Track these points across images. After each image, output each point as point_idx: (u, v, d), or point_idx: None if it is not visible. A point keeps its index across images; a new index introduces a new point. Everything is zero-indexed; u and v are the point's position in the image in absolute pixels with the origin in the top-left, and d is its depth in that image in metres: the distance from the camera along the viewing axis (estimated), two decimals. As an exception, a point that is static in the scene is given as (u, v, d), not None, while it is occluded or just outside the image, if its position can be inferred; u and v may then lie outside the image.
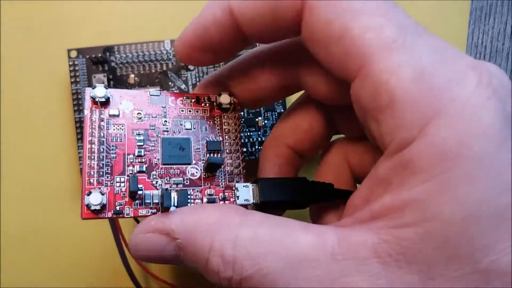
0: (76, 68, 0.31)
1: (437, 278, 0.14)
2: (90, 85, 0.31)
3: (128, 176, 0.20)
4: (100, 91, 0.20)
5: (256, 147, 0.31)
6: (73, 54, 0.31)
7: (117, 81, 0.31)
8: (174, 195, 0.20)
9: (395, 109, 0.15)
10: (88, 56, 0.31)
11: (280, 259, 0.15)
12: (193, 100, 0.22)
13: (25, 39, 0.33)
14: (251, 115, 0.32)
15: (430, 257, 0.14)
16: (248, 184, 0.21)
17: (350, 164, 0.23)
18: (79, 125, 0.31)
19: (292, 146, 0.23)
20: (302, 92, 0.23)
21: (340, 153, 0.23)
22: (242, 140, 0.31)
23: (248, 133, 0.31)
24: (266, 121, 0.31)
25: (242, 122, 0.31)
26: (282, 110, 0.31)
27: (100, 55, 0.31)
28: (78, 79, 0.31)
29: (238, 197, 0.21)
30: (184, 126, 0.21)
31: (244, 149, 0.31)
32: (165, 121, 0.21)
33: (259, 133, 0.31)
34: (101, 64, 0.31)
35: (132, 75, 0.32)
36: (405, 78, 0.15)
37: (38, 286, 0.31)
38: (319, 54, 0.17)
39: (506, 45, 0.32)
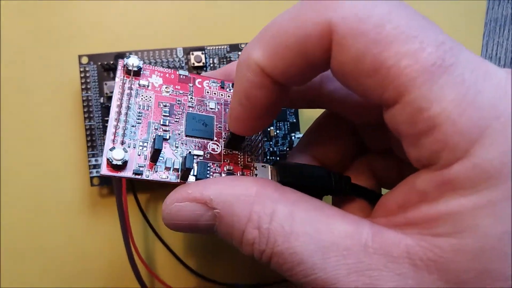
0: (87, 74, 0.30)
1: None
2: (101, 92, 0.31)
3: (153, 137, 0.20)
4: (133, 60, 0.21)
5: (268, 157, 0.31)
6: (84, 60, 0.31)
7: None
8: (194, 165, 0.20)
9: (437, 133, 0.14)
10: (99, 63, 0.31)
11: (311, 241, 0.16)
12: (218, 84, 0.23)
13: (36, 45, 0.32)
14: None
15: (462, 269, 0.14)
16: (267, 164, 0.21)
17: (376, 174, 0.23)
18: (89, 132, 0.30)
19: (318, 158, 0.23)
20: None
21: (365, 165, 0.23)
22: None
23: None
24: (278, 131, 0.31)
25: None
26: (295, 120, 0.31)
27: (112, 62, 0.30)
28: (89, 86, 0.30)
29: (256, 175, 0.21)
30: (209, 105, 0.22)
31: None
32: (191, 98, 0.22)
33: (271, 143, 0.31)
34: (112, 71, 0.31)
35: None
36: (448, 101, 0.14)
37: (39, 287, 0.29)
38: (351, 87, 0.16)
39: None
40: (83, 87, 0.30)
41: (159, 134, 0.20)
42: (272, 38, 0.16)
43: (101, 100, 0.30)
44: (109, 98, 0.30)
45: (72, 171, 0.31)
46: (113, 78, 0.31)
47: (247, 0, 0.33)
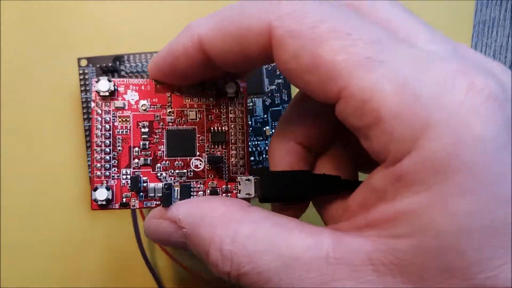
0: (86, 77, 0.31)
1: None
2: None
3: (133, 169, 0.20)
4: (103, 85, 0.20)
5: (264, 156, 0.31)
6: (83, 63, 0.31)
7: None
8: (177, 188, 0.20)
9: (383, 125, 0.14)
10: (98, 65, 0.31)
11: (274, 258, 0.16)
12: (199, 88, 0.22)
13: (36, 48, 0.33)
14: (258, 124, 0.31)
15: (423, 269, 0.14)
16: (251, 177, 0.21)
17: (353, 152, 0.22)
18: (89, 133, 0.31)
19: (300, 142, 0.22)
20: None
21: (343, 141, 0.22)
22: (250, 149, 0.31)
23: (256, 142, 0.31)
24: (273, 130, 0.30)
25: (250, 130, 0.31)
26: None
27: (110, 64, 0.31)
28: (88, 88, 0.31)
29: (240, 190, 0.21)
30: (189, 116, 0.21)
31: (252, 158, 0.31)
32: (170, 111, 0.21)
33: (267, 142, 0.30)
34: (111, 73, 0.31)
35: None
36: (387, 93, 0.14)
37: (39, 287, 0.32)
38: (296, 83, 0.17)
39: (508, 58, 0.32)
40: (82, 89, 0.31)
41: (139, 166, 0.20)
42: (220, 21, 0.18)
43: None
44: None
45: (72, 171, 0.32)
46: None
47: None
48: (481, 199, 0.13)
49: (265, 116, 0.32)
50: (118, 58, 0.31)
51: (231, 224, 0.17)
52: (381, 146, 0.15)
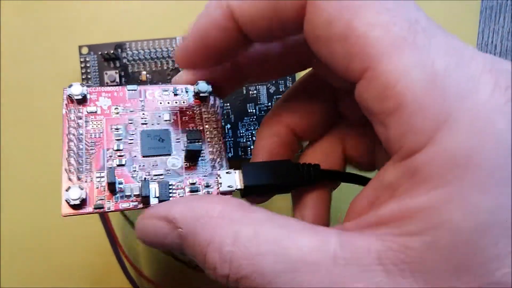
0: (88, 65, 0.31)
1: None
2: (102, 82, 0.31)
3: (107, 171, 0.20)
4: (76, 89, 0.20)
5: None
6: (85, 50, 0.31)
7: (129, 78, 0.31)
8: (155, 186, 0.20)
9: (403, 114, 0.14)
10: (100, 53, 0.31)
11: (279, 260, 0.15)
12: (171, 92, 0.22)
13: (37, 36, 0.33)
14: (262, 112, 0.32)
15: (437, 268, 0.13)
16: (231, 170, 0.20)
17: (344, 145, 0.22)
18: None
19: (291, 127, 0.22)
20: (306, 70, 0.23)
21: (336, 132, 0.23)
22: (246, 142, 0.31)
23: (254, 132, 0.31)
24: None
25: (253, 119, 0.32)
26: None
27: (112, 52, 0.31)
28: (89, 76, 0.31)
29: (221, 184, 0.20)
30: (163, 117, 0.21)
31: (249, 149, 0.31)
32: (143, 113, 0.21)
33: None
34: (112, 61, 0.31)
35: (144, 72, 0.32)
36: (416, 81, 0.14)
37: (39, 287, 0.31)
38: (321, 53, 0.16)
39: None
40: (83, 77, 0.31)
41: (109, 166, 0.20)
42: None
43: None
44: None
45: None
46: (114, 68, 0.31)
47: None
48: (501, 195, 0.13)
49: (269, 104, 0.32)
50: (120, 46, 0.31)
51: (231, 224, 0.16)
52: (398, 135, 0.14)
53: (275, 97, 0.32)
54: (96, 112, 0.21)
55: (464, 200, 0.13)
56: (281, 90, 0.33)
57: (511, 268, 0.13)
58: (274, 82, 0.33)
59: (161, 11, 0.34)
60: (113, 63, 0.32)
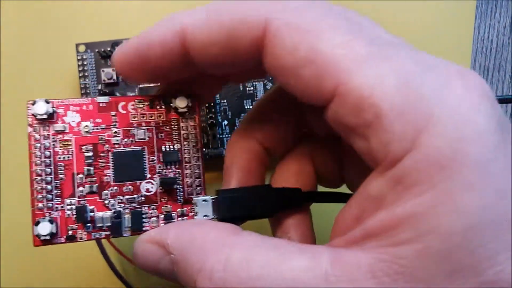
0: (85, 62, 0.31)
1: None
2: (99, 79, 0.31)
3: (78, 198, 0.19)
4: (40, 107, 0.19)
5: None
6: (82, 48, 0.31)
7: None
8: (127, 216, 0.19)
9: (383, 122, 0.14)
10: (97, 50, 0.31)
11: (271, 283, 0.15)
12: (146, 103, 0.20)
13: (34, 34, 0.32)
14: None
15: (431, 274, 0.13)
16: (208, 198, 0.19)
17: (314, 161, 0.22)
18: None
19: (261, 141, 0.21)
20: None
21: (305, 148, 0.22)
22: None
23: None
24: None
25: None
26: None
27: (109, 49, 0.30)
28: (86, 74, 0.31)
29: (197, 213, 0.19)
30: (137, 135, 0.20)
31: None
32: (115, 132, 0.19)
33: None
34: (109, 58, 0.31)
35: None
36: (389, 88, 0.14)
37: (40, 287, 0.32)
38: (288, 81, 0.16)
39: None
40: (80, 74, 0.31)
41: (84, 195, 0.19)
42: (210, 11, 0.17)
43: (99, 87, 0.31)
44: (107, 85, 0.31)
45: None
46: (111, 66, 0.31)
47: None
48: (489, 194, 0.13)
49: None
50: (117, 43, 0.31)
51: (222, 249, 0.16)
52: (379, 145, 0.14)
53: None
54: (64, 130, 0.19)
55: (451, 203, 0.13)
56: (277, 86, 0.31)
57: (502, 266, 0.13)
58: (271, 78, 0.30)
59: (158, 9, 0.33)
60: (110, 61, 0.30)
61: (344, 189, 0.22)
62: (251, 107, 0.30)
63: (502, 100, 0.30)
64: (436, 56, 0.15)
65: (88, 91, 0.31)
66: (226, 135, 0.30)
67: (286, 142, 0.22)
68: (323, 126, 0.20)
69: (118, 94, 0.30)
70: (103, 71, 0.30)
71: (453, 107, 0.13)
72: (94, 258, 0.30)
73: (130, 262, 0.28)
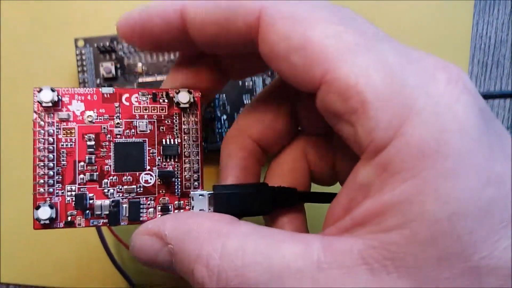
0: (83, 57, 0.31)
1: (429, 281, 0.14)
2: (98, 74, 0.31)
3: (78, 186, 0.19)
4: (46, 95, 0.19)
5: None
6: (80, 43, 0.31)
7: (125, 70, 0.31)
8: (125, 205, 0.19)
9: (368, 110, 0.14)
10: (96, 45, 0.31)
11: (264, 270, 0.15)
12: (149, 97, 0.20)
13: (32, 28, 0.33)
14: None
15: (419, 260, 0.14)
16: (204, 193, 0.20)
17: (308, 158, 0.22)
18: None
19: (256, 139, 0.21)
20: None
21: (299, 146, 0.22)
22: None
23: None
24: None
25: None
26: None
27: (108, 44, 0.31)
28: (85, 68, 0.31)
29: (193, 207, 0.20)
30: (139, 127, 0.20)
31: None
32: (118, 123, 0.20)
33: None
34: (108, 53, 0.31)
35: (140, 64, 0.31)
36: (375, 78, 0.14)
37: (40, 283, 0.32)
38: (280, 67, 0.17)
39: (510, 36, 0.33)
40: (79, 69, 0.31)
41: (84, 182, 0.19)
42: None
43: (98, 81, 0.31)
44: (106, 79, 0.31)
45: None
46: (109, 60, 0.31)
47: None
48: (471, 181, 0.13)
49: None
50: (115, 38, 0.31)
51: (218, 238, 0.16)
52: (364, 132, 0.15)
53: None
54: (68, 119, 0.19)
55: (435, 190, 0.13)
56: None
57: (487, 251, 0.13)
58: (270, 73, 0.31)
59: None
60: (109, 56, 0.31)
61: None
62: (249, 101, 0.31)
63: (501, 95, 0.31)
64: (421, 51, 0.16)
65: (87, 85, 0.31)
66: (225, 130, 0.31)
67: (280, 140, 0.22)
68: (317, 123, 0.21)
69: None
70: (101, 65, 0.31)
71: (435, 98, 0.14)
72: (92, 245, 0.31)
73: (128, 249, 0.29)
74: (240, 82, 0.31)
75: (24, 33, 0.33)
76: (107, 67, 0.31)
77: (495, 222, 0.13)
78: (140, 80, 0.31)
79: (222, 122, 0.31)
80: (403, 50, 0.16)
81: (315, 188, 0.23)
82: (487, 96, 0.28)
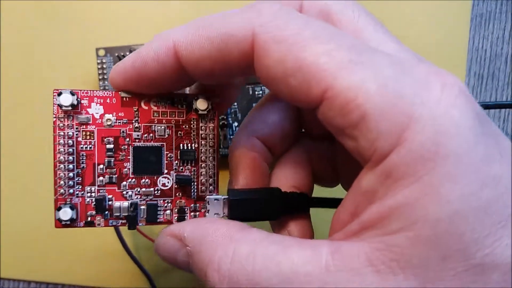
0: (104, 66, 0.33)
1: (434, 280, 0.14)
2: None
3: (98, 187, 0.20)
4: (66, 98, 0.19)
5: None
6: (101, 52, 0.33)
7: None
8: (143, 207, 0.20)
9: (368, 123, 0.15)
10: (116, 54, 0.32)
11: (274, 275, 0.16)
12: (168, 102, 0.20)
13: (55, 38, 0.34)
14: None
15: (424, 260, 0.14)
16: (219, 197, 0.21)
17: (311, 160, 0.23)
18: None
19: (263, 140, 0.22)
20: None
21: (302, 148, 0.23)
22: None
23: None
24: None
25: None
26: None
27: (127, 53, 0.32)
28: (105, 77, 0.33)
29: (208, 210, 0.21)
30: (157, 132, 0.20)
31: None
32: (136, 127, 0.20)
33: None
34: None
35: None
36: (372, 91, 0.15)
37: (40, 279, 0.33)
38: (279, 89, 0.17)
39: (504, 50, 0.35)
40: (100, 77, 0.33)
41: (103, 184, 0.20)
42: (199, 28, 0.18)
43: None
44: None
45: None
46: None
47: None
48: (470, 182, 0.14)
49: None
50: (134, 48, 0.32)
51: (230, 244, 0.17)
52: (367, 144, 0.15)
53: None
54: (87, 122, 0.20)
55: (436, 192, 0.14)
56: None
57: (489, 249, 0.14)
58: None
59: (176, 15, 0.34)
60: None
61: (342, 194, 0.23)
62: (254, 105, 0.31)
63: (497, 106, 0.32)
64: (415, 59, 0.17)
65: None
66: None
67: (285, 142, 0.23)
68: (319, 127, 0.21)
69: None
70: None
71: (432, 104, 0.14)
72: (111, 243, 0.32)
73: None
74: (251, 91, 0.32)
75: (48, 42, 0.34)
76: None
77: (495, 221, 0.14)
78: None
79: (234, 129, 0.32)
80: (396, 60, 0.16)
81: (317, 190, 0.24)
82: (483, 106, 0.28)
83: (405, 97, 0.15)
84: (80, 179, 0.20)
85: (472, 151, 0.14)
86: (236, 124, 0.32)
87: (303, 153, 0.23)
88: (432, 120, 0.14)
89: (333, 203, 0.22)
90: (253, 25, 0.17)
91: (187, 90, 0.23)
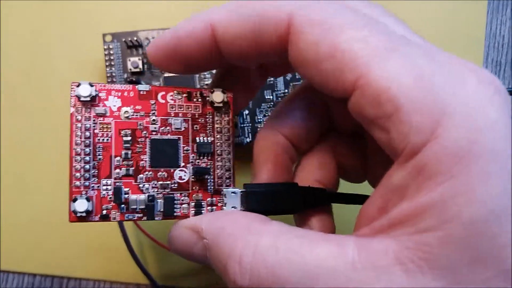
0: (111, 52, 0.32)
1: (463, 282, 0.14)
2: (125, 68, 0.32)
3: (114, 180, 0.20)
4: (84, 89, 0.19)
5: None
6: (108, 38, 0.32)
7: (151, 65, 0.32)
8: (160, 200, 0.20)
9: (401, 115, 0.14)
10: (124, 40, 0.32)
11: (297, 268, 0.15)
12: (184, 95, 0.21)
13: (62, 23, 0.34)
14: (279, 98, 0.32)
15: (453, 261, 0.14)
16: (237, 190, 0.20)
17: (337, 156, 0.23)
18: None
19: (288, 136, 0.22)
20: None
21: (329, 144, 0.23)
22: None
23: None
24: None
25: (271, 105, 0.32)
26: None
27: (135, 39, 0.32)
28: (113, 63, 0.32)
29: (225, 203, 0.20)
30: (174, 125, 0.20)
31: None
32: (154, 120, 0.20)
33: None
34: (135, 48, 0.32)
35: None
36: (406, 83, 0.15)
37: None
38: (311, 74, 0.17)
39: None
40: (107, 64, 0.32)
41: (120, 177, 0.20)
42: (238, 7, 0.18)
43: (125, 76, 0.32)
44: (133, 73, 0.32)
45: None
46: (136, 55, 0.32)
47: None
48: (505, 181, 0.14)
49: (286, 90, 0.32)
50: (141, 34, 0.32)
51: (251, 236, 0.17)
52: (399, 136, 0.15)
53: (291, 84, 0.32)
54: (105, 114, 0.20)
55: (470, 191, 0.14)
56: (297, 77, 0.32)
57: None
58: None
59: (183, 2, 0.34)
60: (136, 50, 0.32)
61: (365, 190, 0.23)
62: (271, 97, 0.32)
63: None
64: (449, 53, 0.16)
65: (114, 80, 0.32)
66: (247, 124, 0.32)
67: (311, 138, 0.22)
68: (348, 122, 0.22)
69: (143, 83, 0.31)
70: (129, 60, 0.31)
71: (467, 100, 0.14)
72: (115, 236, 0.31)
73: (162, 246, 0.29)
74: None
75: (53, 28, 0.34)
76: (135, 61, 0.31)
77: None
78: (166, 74, 0.32)
79: (244, 117, 0.32)
80: (432, 53, 0.16)
81: (343, 185, 0.24)
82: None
83: (439, 90, 0.14)
84: (96, 171, 0.19)
85: (506, 149, 0.14)
86: (246, 112, 0.32)
87: (328, 148, 0.23)
88: (467, 116, 0.14)
89: (352, 198, 0.22)
90: (290, 7, 0.17)
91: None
